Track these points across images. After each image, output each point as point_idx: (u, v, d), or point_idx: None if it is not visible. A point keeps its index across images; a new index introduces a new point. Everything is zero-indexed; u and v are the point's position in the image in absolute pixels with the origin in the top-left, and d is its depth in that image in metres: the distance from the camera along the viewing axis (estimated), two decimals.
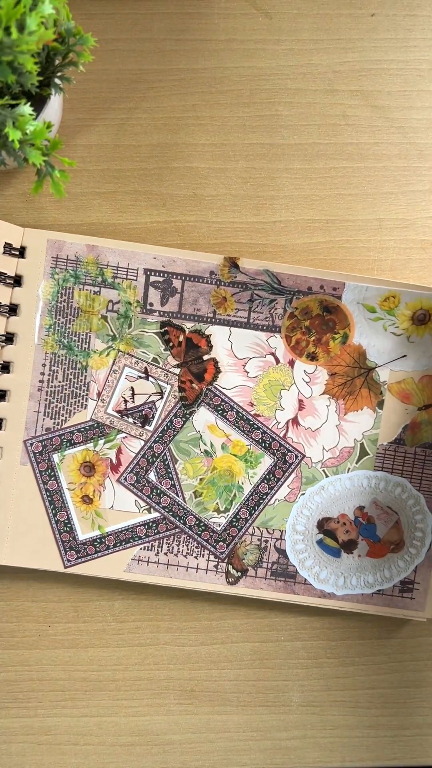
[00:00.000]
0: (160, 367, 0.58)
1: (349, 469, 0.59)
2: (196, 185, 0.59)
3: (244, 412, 0.58)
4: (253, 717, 0.60)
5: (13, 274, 0.58)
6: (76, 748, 0.60)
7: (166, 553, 0.58)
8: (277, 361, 0.58)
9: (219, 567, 0.59)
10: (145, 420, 0.58)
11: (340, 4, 0.59)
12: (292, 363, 0.58)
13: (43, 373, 0.58)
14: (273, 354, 0.58)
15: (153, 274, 0.58)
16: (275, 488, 0.59)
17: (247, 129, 0.59)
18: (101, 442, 0.58)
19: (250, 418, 0.58)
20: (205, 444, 0.59)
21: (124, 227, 0.59)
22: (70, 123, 0.59)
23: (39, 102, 0.50)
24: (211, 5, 0.59)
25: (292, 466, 0.59)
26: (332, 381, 0.58)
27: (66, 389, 0.58)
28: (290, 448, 0.59)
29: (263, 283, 0.57)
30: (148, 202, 0.59)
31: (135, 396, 0.58)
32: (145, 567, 0.59)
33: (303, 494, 0.59)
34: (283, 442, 0.59)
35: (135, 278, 0.58)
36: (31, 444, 0.58)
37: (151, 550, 0.59)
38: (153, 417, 0.58)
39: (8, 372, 0.58)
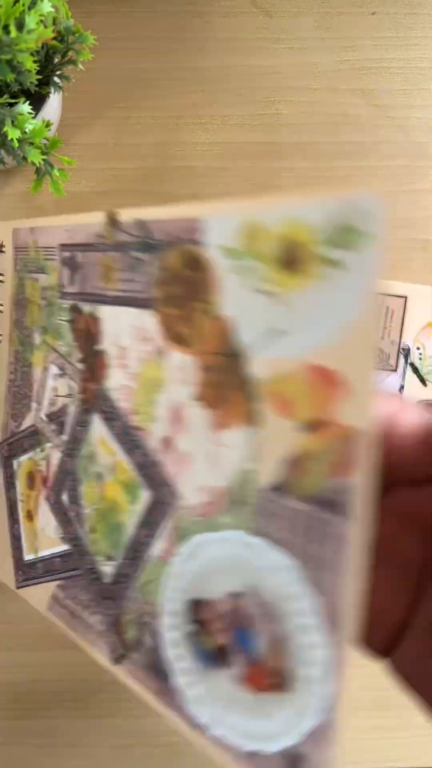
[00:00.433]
0: (71, 363, 0.44)
1: (221, 525, 0.34)
2: (196, 185, 0.59)
3: (128, 424, 0.38)
4: None
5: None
6: (75, 749, 0.60)
7: (72, 599, 0.42)
8: (154, 349, 0.36)
9: (106, 634, 0.39)
10: (62, 427, 0.43)
11: (341, 2, 0.59)
12: (162, 351, 0.35)
13: (12, 372, 0.55)
14: (150, 339, 0.36)
15: (64, 249, 0.45)
16: (152, 538, 0.36)
17: (248, 128, 0.59)
18: (38, 450, 0.46)
19: (132, 431, 0.38)
20: (98, 464, 0.40)
21: None
22: (69, 122, 0.58)
23: (38, 100, 0.50)
24: (211, 4, 0.59)
25: (167, 510, 0.35)
26: (205, 378, 0.34)
27: (21, 389, 0.50)
28: (164, 481, 0.36)
29: (138, 239, 0.37)
30: (148, 202, 0.59)
31: (58, 398, 0.45)
32: (58, 609, 0.43)
33: (176, 556, 0.35)
34: (157, 471, 0.36)
35: (55, 257, 0.46)
36: (2, 447, 0.52)
37: (64, 589, 0.43)
38: (66, 424, 0.44)
39: None
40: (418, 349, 0.59)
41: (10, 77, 0.44)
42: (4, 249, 0.57)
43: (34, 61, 0.45)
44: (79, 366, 0.43)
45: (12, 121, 0.46)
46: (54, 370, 0.45)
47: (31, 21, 0.42)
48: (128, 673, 0.35)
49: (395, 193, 0.60)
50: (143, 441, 0.37)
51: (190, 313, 0.34)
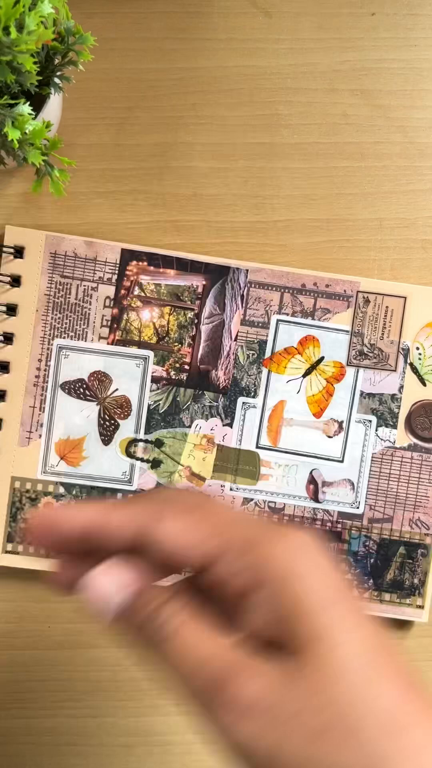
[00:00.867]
0: None
1: None
2: (196, 185, 0.60)
3: None
4: None
5: (14, 274, 0.58)
6: (75, 749, 0.60)
7: None
8: None
9: None
10: None
11: (341, 3, 0.59)
12: None
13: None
14: None
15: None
16: None
17: (247, 128, 0.59)
18: None
19: None
20: None
21: (124, 227, 0.59)
22: (69, 122, 0.59)
23: (38, 101, 0.50)
24: (210, 4, 0.59)
25: None
26: None
27: None
28: None
29: None
30: (148, 202, 0.59)
31: None
32: None
33: None
34: None
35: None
36: None
37: None
38: None
39: (6, 372, 0.58)
40: (417, 349, 0.59)
41: (11, 78, 0.44)
42: (23, 254, 0.58)
43: (35, 62, 0.45)
44: None
45: (12, 122, 0.46)
46: None
47: (31, 22, 0.42)
48: None
49: (394, 194, 0.60)
50: None
51: None
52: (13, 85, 0.46)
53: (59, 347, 0.59)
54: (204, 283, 0.59)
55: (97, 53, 0.56)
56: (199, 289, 0.59)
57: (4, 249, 0.58)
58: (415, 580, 0.60)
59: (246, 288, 0.59)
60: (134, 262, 0.58)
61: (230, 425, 0.60)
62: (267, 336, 0.59)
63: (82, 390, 0.59)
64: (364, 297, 0.59)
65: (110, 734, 0.60)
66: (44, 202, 0.59)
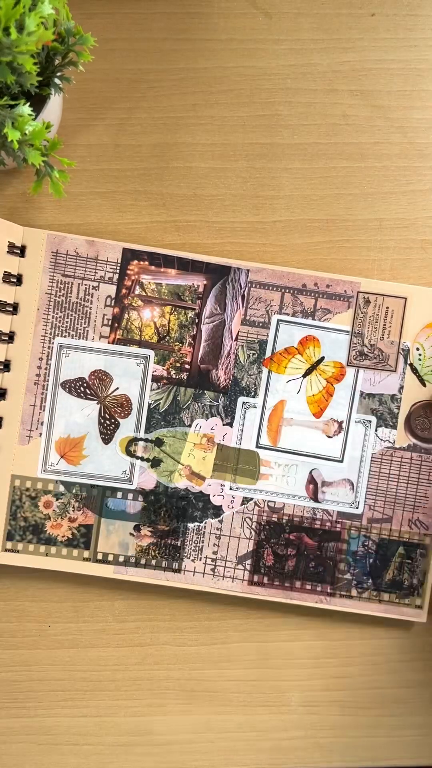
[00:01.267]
0: None
1: None
2: (196, 185, 0.60)
3: None
4: (253, 717, 0.60)
5: (16, 273, 0.58)
6: (76, 748, 0.60)
7: None
8: None
9: None
10: None
11: (341, 3, 0.59)
12: None
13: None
14: None
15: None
16: None
17: (247, 129, 0.59)
18: None
19: None
20: None
21: (124, 227, 0.59)
22: (69, 123, 0.59)
23: (38, 102, 0.51)
24: (210, 5, 0.59)
25: None
26: None
27: None
28: None
29: None
30: (148, 202, 0.60)
31: None
32: None
33: None
34: None
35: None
36: None
37: None
38: None
39: (7, 370, 0.59)
40: (417, 349, 0.59)
41: (11, 79, 0.44)
42: (25, 252, 0.58)
43: (35, 63, 0.45)
44: None
45: (12, 123, 0.46)
46: None
47: (31, 23, 0.42)
48: None
49: (394, 194, 0.60)
50: None
51: None
52: (14, 86, 0.46)
53: (60, 346, 0.59)
54: (205, 282, 0.59)
55: (97, 54, 0.57)
56: (200, 289, 0.59)
57: (15, 248, 0.58)
58: (414, 580, 0.60)
59: (247, 288, 0.59)
60: (135, 262, 0.58)
61: (230, 425, 0.60)
62: (267, 336, 0.59)
63: (82, 389, 0.59)
64: (364, 297, 0.59)
65: (110, 734, 0.60)
66: (44, 202, 0.59)
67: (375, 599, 0.60)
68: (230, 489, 0.60)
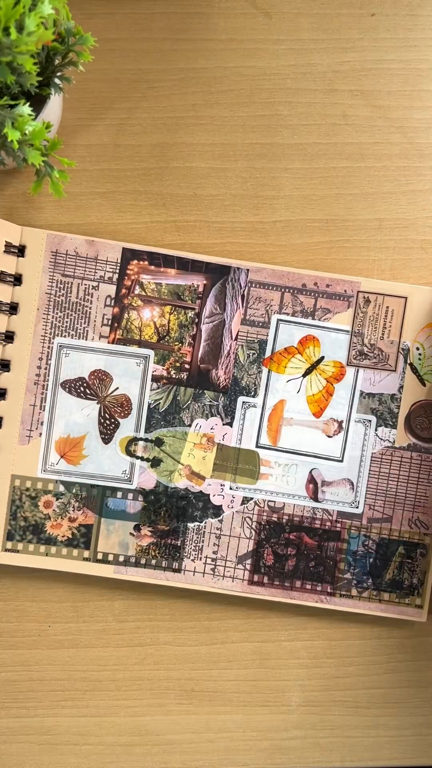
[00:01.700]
0: None
1: None
2: (196, 185, 0.60)
3: None
4: (253, 717, 0.60)
5: (12, 272, 0.58)
6: (75, 748, 0.60)
7: None
8: None
9: None
10: None
11: (341, 3, 0.59)
12: None
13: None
14: None
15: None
16: None
17: (247, 129, 0.60)
18: None
19: None
20: None
21: (124, 227, 0.59)
22: (69, 123, 0.59)
23: (38, 102, 0.51)
24: (210, 5, 0.59)
25: None
26: None
27: None
28: None
29: None
30: (148, 202, 0.60)
31: None
32: None
33: None
34: None
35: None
36: None
37: None
38: None
39: (7, 370, 0.59)
40: (417, 349, 0.59)
41: (11, 79, 0.44)
42: (24, 252, 0.58)
43: (35, 63, 0.45)
44: None
45: (12, 123, 0.46)
46: None
47: (31, 23, 0.42)
48: None
49: (394, 194, 0.60)
50: None
51: None
52: (14, 86, 0.46)
53: (60, 346, 0.59)
54: (205, 282, 0.59)
55: (97, 54, 0.57)
56: (200, 289, 0.59)
57: (12, 247, 0.58)
58: (414, 580, 0.60)
59: (247, 287, 0.59)
60: (135, 261, 0.58)
61: (230, 424, 0.60)
62: (267, 335, 0.59)
63: (82, 388, 0.59)
64: (364, 297, 0.59)
65: (110, 733, 0.60)
66: (44, 202, 0.59)
67: (375, 599, 0.60)
68: (230, 489, 0.60)
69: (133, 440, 0.59)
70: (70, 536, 0.59)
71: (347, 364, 0.59)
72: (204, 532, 0.60)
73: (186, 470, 0.59)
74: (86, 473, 0.59)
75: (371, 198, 0.60)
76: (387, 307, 0.59)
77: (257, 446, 0.60)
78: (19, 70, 0.45)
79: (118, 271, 0.59)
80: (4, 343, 0.58)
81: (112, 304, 0.59)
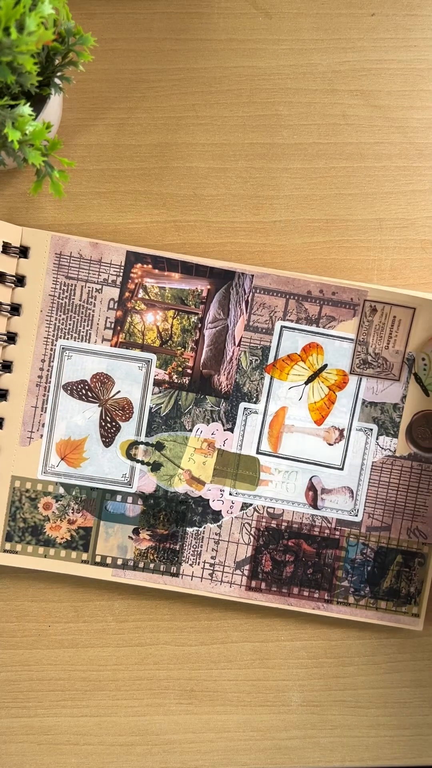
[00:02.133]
0: None
1: None
2: (196, 185, 0.59)
3: None
4: (253, 717, 0.60)
5: (14, 273, 0.58)
6: (75, 747, 0.60)
7: None
8: None
9: None
10: None
11: (340, 3, 0.59)
12: None
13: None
14: None
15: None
16: None
17: (247, 129, 0.59)
18: None
19: None
20: None
21: (124, 227, 0.59)
22: (69, 123, 0.59)
23: (38, 102, 0.50)
24: (210, 5, 0.59)
25: None
26: None
27: None
28: None
29: None
30: (148, 202, 0.59)
31: None
32: None
33: None
34: None
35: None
36: None
37: None
38: None
39: (9, 371, 0.58)
40: (423, 360, 0.59)
41: (11, 79, 0.44)
42: (27, 253, 0.58)
43: (35, 63, 0.45)
44: None
45: (12, 123, 0.46)
46: None
47: (31, 23, 0.42)
48: None
49: (394, 194, 0.60)
50: None
51: None
52: (14, 86, 0.46)
53: (62, 348, 0.59)
54: (209, 287, 0.59)
55: (97, 54, 0.57)
56: (204, 294, 0.59)
57: (13, 248, 0.58)
58: (412, 589, 0.60)
59: (251, 293, 0.59)
60: (139, 265, 0.58)
61: (231, 430, 0.60)
62: (270, 342, 0.59)
63: (84, 391, 0.59)
64: (371, 306, 0.59)
65: (110, 733, 0.60)
66: (44, 202, 0.59)
67: (372, 607, 0.60)
68: (230, 494, 0.60)
69: (134, 444, 0.59)
70: (69, 538, 0.59)
71: (350, 373, 0.59)
72: (203, 537, 0.60)
73: (186, 475, 0.59)
74: (86, 476, 0.59)
75: (371, 198, 0.60)
76: (394, 317, 0.59)
77: (258, 452, 0.60)
78: (19, 70, 0.44)
79: (121, 274, 0.58)
80: (5, 344, 0.58)
81: (116, 307, 0.59)
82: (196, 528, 0.60)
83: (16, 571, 0.59)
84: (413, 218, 0.60)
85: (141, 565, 0.59)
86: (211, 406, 0.59)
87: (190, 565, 0.59)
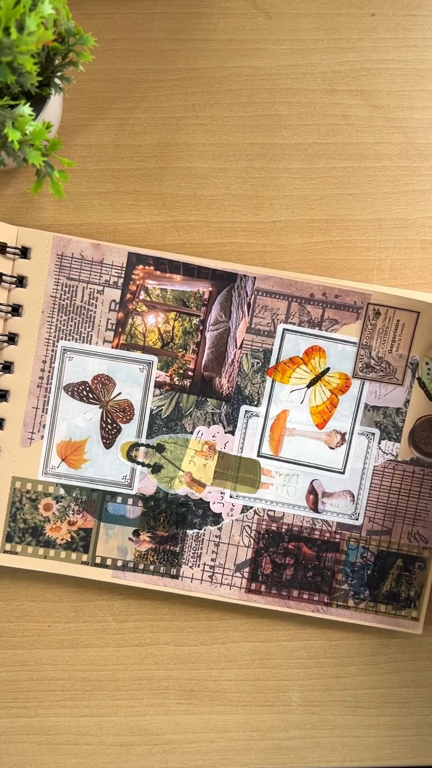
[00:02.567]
0: None
1: None
2: (196, 185, 0.59)
3: None
4: (253, 717, 0.60)
5: (10, 274, 0.58)
6: (75, 748, 0.60)
7: None
8: None
9: None
10: None
11: (340, 3, 0.59)
12: None
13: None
14: None
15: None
16: None
17: (247, 129, 0.59)
18: None
19: None
20: None
21: (124, 227, 0.59)
22: (69, 123, 0.58)
23: (38, 102, 0.50)
24: (210, 5, 0.59)
25: None
26: None
27: None
28: None
29: None
30: (148, 202, 0.59)
31: None
32: None
33: None
34: None
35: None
36: None
37: None
38: None
39: (10, 372, 0.58)
40: (427, 364, 0.59)
41: (11, 79, 0.44)
42: (27, 254, 0.58)
43: (35, 63, 0.45)
44: None
45: (12, 123, 0.46)
46: None
47: (31, 23, 0.42)
48: None
49: (394, 194, 0.60)
50: None
51: None
52: (14, 86, 0.46)
53: (64, 349, 0.58)
54: (210, 289, 0.59)
55: (97, 54, 0.57)
56: (206, 296, 0.59)
57: (10, 249, 0.58)
58: (411, 593, 0.60)
59: (253, 296, 0.58)
60: (141, 266, 0.58)
61: (232, 433, 0.59)
62: (272, 345, 0.59)
63: (85, 392, 0.59)
64: (374, 309, 0.59)
65: (110, 733, 0.60)
66: (44, 202, 0.59)
67: (372, 610, 0.60)
68: (230, 497, 0.60)
69: (135, 446, 0.59)
70: (69, 539, 0.59)
71: (353, 376, 0.59)
72: (203, 539, 0.60)
73: (186, 477, 0.59)
74: (87, 477, 0.59)
75: (371, 198, 0.60)
76: (398, 321, 0.59)
77: (259, 455, 0.60)
78: (19, 70, 0.44)
79: (123, 275, 0.58)
80: (6, 344, 0.58)
81: (117, 308, 0.59)
82: (197, 530, 0.60)
83: (16, 571, 0.59)
84: (413, 218, 0.60)
85: (141, 566, 0.59)
86: (212, 409, 0.59)
87: (190, 567, 0.59)
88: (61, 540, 0.59)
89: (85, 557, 0.59)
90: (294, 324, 0.59)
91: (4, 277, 0.57)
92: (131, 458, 0.59)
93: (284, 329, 0.59)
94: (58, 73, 0.50)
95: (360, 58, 0.59)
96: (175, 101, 0.59)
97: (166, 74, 0.59)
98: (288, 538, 0.60)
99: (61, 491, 0.59)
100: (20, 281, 0.58)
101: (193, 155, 0.59)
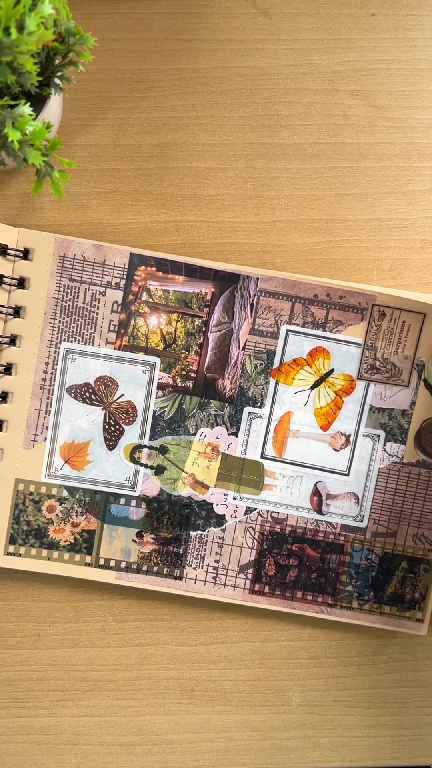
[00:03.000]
0: None
1: None
2: (196, 185, 0.59)
3: None
4: (253, 717, 0.61)
5: (11, 275, 0.58)
6: (75, 747, 0.60)
7: None
8: None
9: None
10: None
11: (340, 3, 0.59)
12: None
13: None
14: None
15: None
16: None
17: (247, 129, 0.59)
18: None
19: None
20: None
21: (124, 227, 0.59)
22: (69, 123, 0.58)
23: (38, 102, 0.50)
24: (210, 5, 0.59)
25: None
26: None
27: None
28: None
29: None
30: (148, 202, 0.59)
31: None
32: None
33: None
34: None
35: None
36: None
37: None
38: None
39: (11, 374, 0.58)
40: None
41: (11, 79, 0.44)
42: (29, 255, 0.58)
43: (35, 63, 0.45)
44: None
45: (12, 123, 0.45)
46: None
47: (31, 23, 0.42)
48: None
49: (394, 194, 0.60)
50: None
51: None
52: (14, 86, 0.46)
53: (66, 351, 0.58)
54: (213, 290, 0.58)
55: (97, 54, 0.57)
56: (208, 297, 0.58)
57: (11, 250, 0.57)
58: (416, 594, 0.60)
59: (256, 296, 0.58)
60: (143, 267, 0.58)
61: (235, 434, 0.59)
62: (276, 346, 0.59)
63: (88, 394, 0.59)
64: (379, 310, 0.58)
65: (110, 733, 0.60)
66: (44, 203, 0.59)
67: (376, 611, 0.60)
68: (234, 498, 0.60)
69: (138, 447, 0.59)
70: (73, 541, 0.59)
71: (358, 378, 0.59)
72: (206, 540, 0.60)
73: (190, 479, 0.59)
74: (90, 479, 0.59)
75: (371, 198, 0.60)
76: (404, 322, 0.58)
77: (262, 457, 0.60)
78: (19, 70, 0.44)
79: (125, 276, 0.58)
80: (7, 346, 0.58)
81: (119, 310, 0.58)
82: (200, 532, 0.60)
83: (17, 571, 0.59)
84: (413, 218, 0.60)
85: (144, 568, 0.59)
86: (216, 410, 0.59)
87: (194, 568, 0.59)
88: (65, 542, 0.59)
89: (88, 559, 0.59)
90: (297, 325, 0.59)
91: (4, 278, 0.57)
92: (134, 460, 0.59)
93: (288, 330, 0.59)
94: (58, 73, 0.50)
95: (360, 58, 0.59)
96: (175, 101, 0.59)
97: (166, 74, 0.59)
98: (292, 540, 0.60)
99: (65, 493, 0.59)
100: (21, 283, 0.58)
101: (193, 155, 0.59)
